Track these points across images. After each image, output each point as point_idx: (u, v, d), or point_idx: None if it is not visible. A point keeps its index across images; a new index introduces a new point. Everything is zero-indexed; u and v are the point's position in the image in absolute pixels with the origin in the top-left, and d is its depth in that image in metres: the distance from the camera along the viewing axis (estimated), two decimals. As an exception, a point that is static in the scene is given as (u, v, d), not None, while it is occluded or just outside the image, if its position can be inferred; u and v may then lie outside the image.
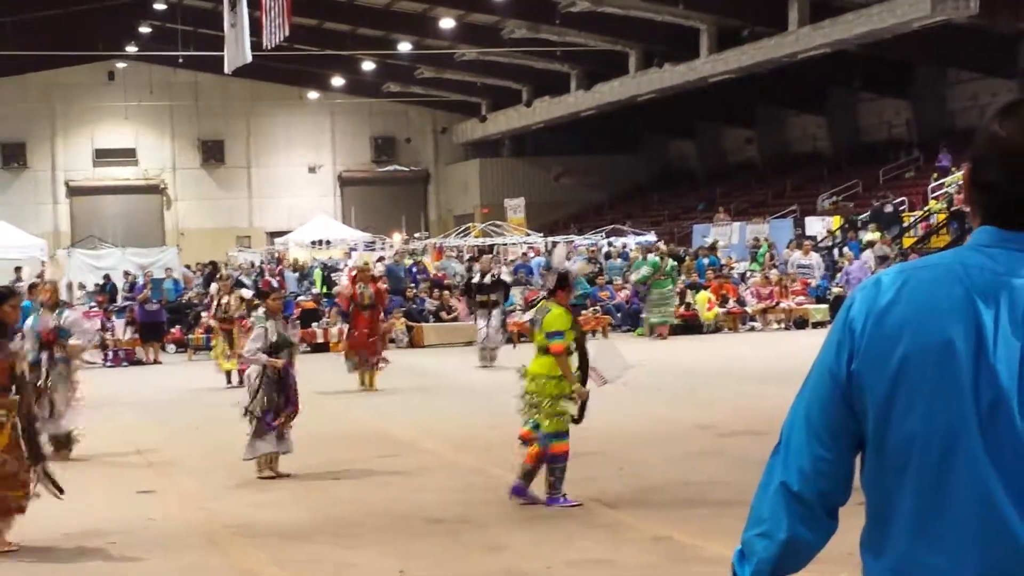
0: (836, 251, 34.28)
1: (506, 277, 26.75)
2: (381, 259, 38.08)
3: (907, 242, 35.39)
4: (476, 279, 24.83)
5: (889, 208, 37.19)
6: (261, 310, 12.71)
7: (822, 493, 2.51)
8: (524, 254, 39.43)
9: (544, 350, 10.33)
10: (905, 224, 37.17)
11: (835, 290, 30.78)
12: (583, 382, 10.34)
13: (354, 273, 21.73)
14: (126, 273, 34.17)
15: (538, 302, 10.95)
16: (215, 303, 21.93)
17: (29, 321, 13.27)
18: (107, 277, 34.51)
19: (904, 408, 2.36)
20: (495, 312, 23.60)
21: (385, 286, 23.00)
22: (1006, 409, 2.27)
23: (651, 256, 30.80)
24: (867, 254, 30.93)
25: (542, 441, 10.27)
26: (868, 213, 37.56)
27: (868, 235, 34.60)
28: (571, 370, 10.27)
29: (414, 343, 29.19)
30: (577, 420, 10.35)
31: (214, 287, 23.33)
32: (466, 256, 39.59)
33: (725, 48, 40.86)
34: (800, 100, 49.62)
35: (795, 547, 2.53)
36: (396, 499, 10.95)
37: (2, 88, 54.04)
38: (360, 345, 20.30)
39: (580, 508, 10.23)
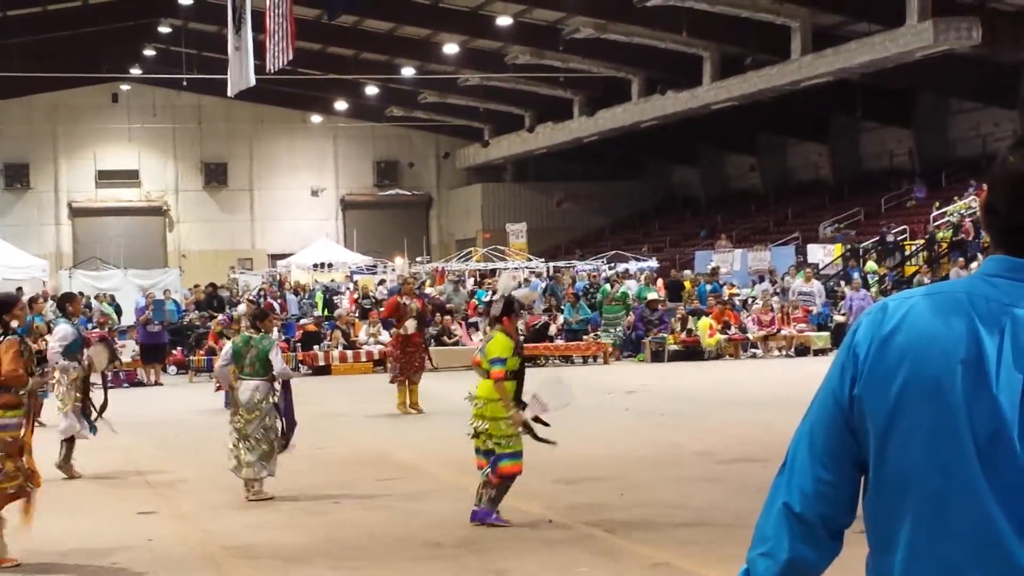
0: (841, 280, 34.25)
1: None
2: (383, 282, 38.15)
3: (908, 271, 35.43)
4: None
5: (890, 237, 37.30)
6: (244, 335, 12.67)
7: (824, 515, 2.52)
8: (526, 279, 39.42)
9: (486, 373, 10.51)
10: (907, 252, 37.22)
11: (837, 318, 30.79)
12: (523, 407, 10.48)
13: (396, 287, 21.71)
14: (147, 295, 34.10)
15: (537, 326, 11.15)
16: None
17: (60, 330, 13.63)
18: (112, 298, 34.53)
19: (905, 434, 2.37)
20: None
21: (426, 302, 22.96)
22: (1007, 439, 2.28)
23: (604, 284, 32.33)
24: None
25: (492, 462, 10.41)
26: (874, 240, 37.63)
27: (869, 264, 34.65)
28: (509, 396, 10.44)
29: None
30: (541, 439, 10.52)
31: (241, 308, 23.31)
32: (468, 280, 39.60)
33: (728, 75, 40.98)
34: (802, 128, 49.74)
35: (797, 567, 2.54)
36: (397, 522, 10.94)
37: (7, 109, 54.20)
38: (410, 367, 20.26)
39: (581, 533, 10.23)
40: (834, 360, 2.54)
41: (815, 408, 2.56)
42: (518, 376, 10.57)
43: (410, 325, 20.40)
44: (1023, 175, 2.36)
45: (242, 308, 23.36)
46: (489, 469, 10.49)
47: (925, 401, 2.34)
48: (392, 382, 20.66)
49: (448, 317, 30.71)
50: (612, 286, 34.02)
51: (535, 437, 10.50)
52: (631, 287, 35.46)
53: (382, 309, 24.47)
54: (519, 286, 24.30)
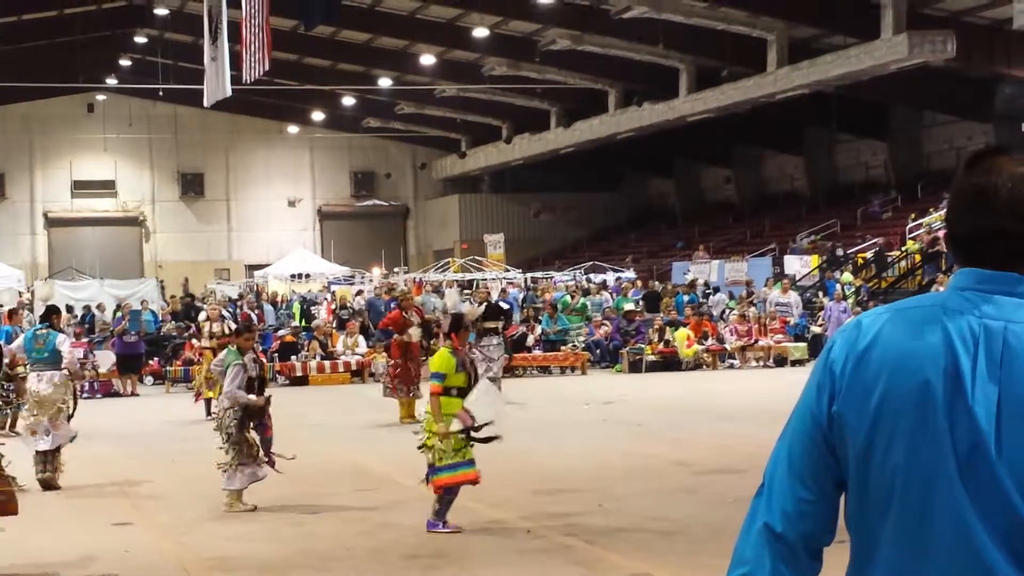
0: (819, 291, 34.34)
1: (503, 304, 26.84)
2: (360, 293, 38.11)
3: (884, 283, 35.59)
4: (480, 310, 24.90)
5: (840, 251, 37.61)
6: (234, 348, 12.65)
7: (805, 534, 2.52)
8: (503, 290, 39.45)
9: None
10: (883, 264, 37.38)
11: (814, 329, 30.89)
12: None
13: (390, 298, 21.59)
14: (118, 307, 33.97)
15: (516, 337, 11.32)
16: (206, 331, 21.87)
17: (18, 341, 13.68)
18: (87, 308, 34.40)
19: (884, 450, 2.38)
20: (494, 342, 23.36)
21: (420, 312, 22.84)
22: (984, 451, 2.29)
23: (564, 295, 32.88)
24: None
25: (427, 474, 10.73)
26: (846, 252, 37.83)
27: (845, 276, 34.78)
28: (440, 411, 10.67)
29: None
30: (483, 440, 10.76)
31: (203, 314, 23.25)
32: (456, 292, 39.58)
33: (704, 88, 41.11)
34: (778, 140, 49.95)
35: (778, 588, 2.54)
36: (372, 533, 10.92)
37: (-18, 119, 54.00)
38: (409, 378, 20.16)
39: (558, 543, 10.23)
40: (810, 378, 2.54)
41: (792, 427, 2.55)
42: (464, 393, 10.71)
43: (414, 333, 20.31)
44: (980, 189, 2.39)
45: (203, 315, 23.27)
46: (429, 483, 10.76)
47: (904, 414, 2.35)
48: (387, 396, 20.47)
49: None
50: (572, 297, 34.31)
51: (476, 440, 10.67)
52: (607, 299, 35.55)
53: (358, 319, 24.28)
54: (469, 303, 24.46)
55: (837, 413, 2.44)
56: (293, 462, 14.87)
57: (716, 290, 35.60)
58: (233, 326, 21.02)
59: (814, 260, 38.39)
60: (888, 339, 2.41)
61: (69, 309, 31.70)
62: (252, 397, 12.19)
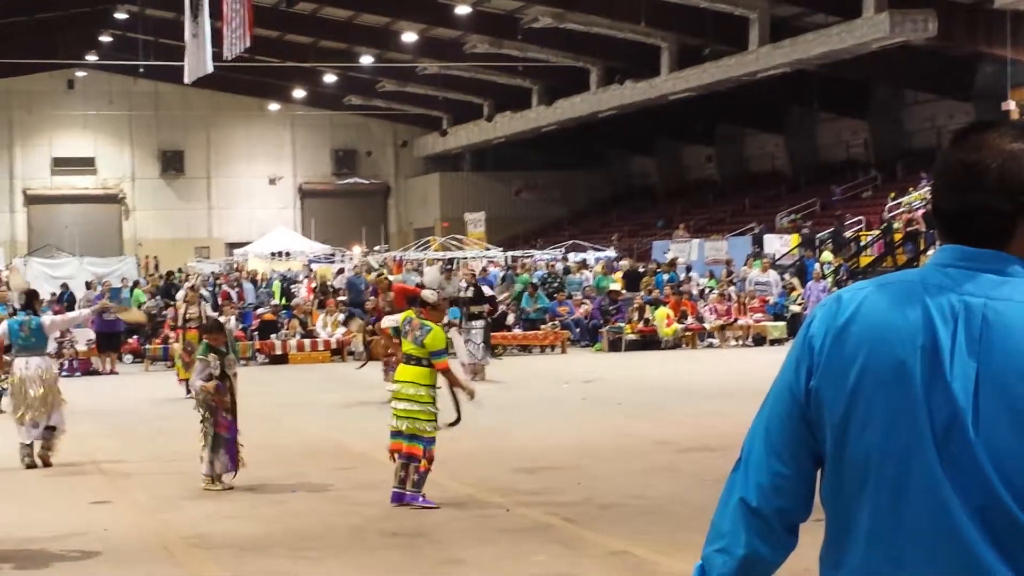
0: (788, 273, 34.36)
1: (486, 289, 26.81)
2: (341, 271, 38.05)
3: (863, 261, 35.66)
4: (464, 293, 25.04)
5: (848, 232, 37.57)
6: (204, 343, 12.62)
7: (780, 509, 2.51)
8: (484, 268, 39.47)
9: (418, 360, 10.97)
10: (862, 243, 37.46)
11: (793, 308, 30.94)
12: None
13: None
14: (88, 284, 33.90)
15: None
16: (181, 312, 21.78)
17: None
18: (65, 286, 34.25)
19: (861, 425, 2.38)
20: (478, 325, 23.46)
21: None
22: (961, 426, 2.29)
23: (524, 275, 33.13)
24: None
25: (427, 445, 10.82)
26: (829, 231, 37.91)
27: (825, 255, 34.84)
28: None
29: (372, 356, 29.06)
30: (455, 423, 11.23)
31: (181, 294, 23.15)
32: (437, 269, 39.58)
33: (686, 66, 41.09)
34: (759, 119, 49.97)
35: (753, 563, 2.54)
36: (353, 512, 10.92)
37: (-41, 95, 53.69)
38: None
39: (538, 522, 10.25)
40: (788, 353, 2.54)
41: (770, 402, 2.55)
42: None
43: (428, 296, 20.09)
44: (965, 164, 2.38)
45: (181, 294, 23.15)
46: (423, 456, 10.83)
47: (882, 389, 2.35)
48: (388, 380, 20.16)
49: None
50: (530, 275, 34.63)
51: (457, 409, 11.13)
52: (588, 278, 35.57)
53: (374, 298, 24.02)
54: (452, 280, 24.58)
55: (815, 388, 2.44)
56: (273, 440, 14.87)
57: (688, 268, 35.60)
58: (210, 311, 20.98)
59: (794, 239, 38.44)
60: (867, 314, 2.40)
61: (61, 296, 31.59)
62: (207, 384, 12.12)
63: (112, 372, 27.33)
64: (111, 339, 27.90)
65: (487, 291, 26.55)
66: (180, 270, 39.96)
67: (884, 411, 2.35)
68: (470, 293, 24.76)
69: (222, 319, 18.08)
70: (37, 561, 9.39)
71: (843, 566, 2.42)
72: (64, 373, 26.18)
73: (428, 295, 11.97)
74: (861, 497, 2.38)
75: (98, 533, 10.22)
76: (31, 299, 14.73)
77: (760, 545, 2.51)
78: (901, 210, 36.80)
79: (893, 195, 38.74)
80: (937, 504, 2.30)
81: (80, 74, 55.39)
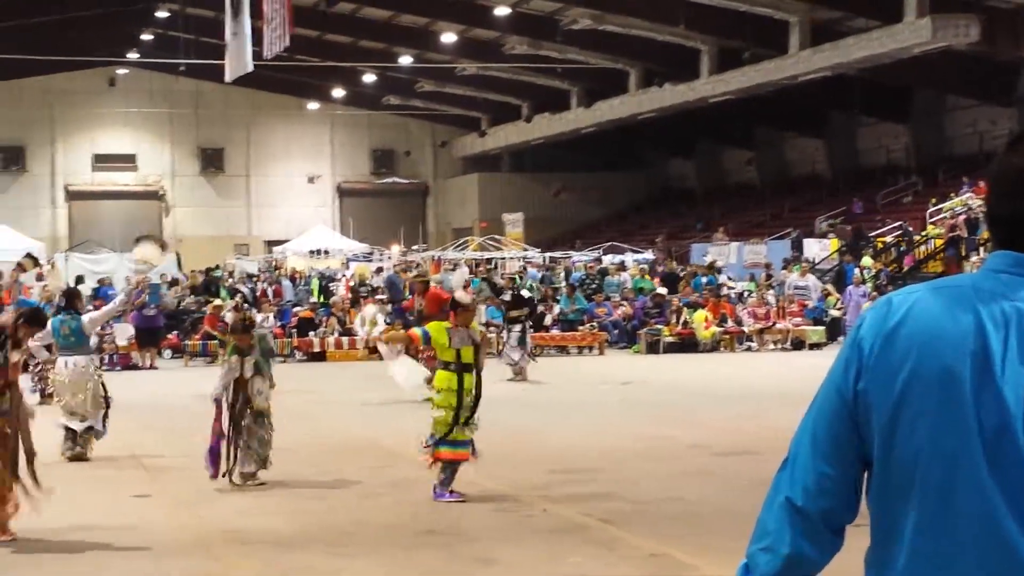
0: (828, 277, 34.18)
1: (525, 293, 27.00)
2: (380, 270, 38.16)
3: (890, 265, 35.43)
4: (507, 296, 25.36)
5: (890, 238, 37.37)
6: (231, 344, 12.64)
7: (826, 510, 2.52)
8: (523, 268, 39.51)
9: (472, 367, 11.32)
10: (903, 249, 37.24)
11: (833, 312, 30.80)
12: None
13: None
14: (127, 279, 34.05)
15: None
16: (224, 314, 22.00)
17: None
18: (101, 282, 34.45)
19: (909, 429, 2.37)
20: (515, 328, 23.63)
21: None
22: (1012, 433, 2.28)
23: (478, 277, 33.21)
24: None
25: (436, 445, 11.14)
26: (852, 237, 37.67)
27: (865, 260, 34.67)
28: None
29: (408, 354, 29.11)
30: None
31: (229, 306, 23.33)
32: (466, 271, 39.67)
33: (726, 69, 40.96)
34: (800, 123, 49.76)
35: (798, 562, 2.54)
36: (388, 510, 10.95)
37: (2, 91, 54.07)
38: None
39: (575, 523, 10.25)
40: (838, 355, 2.54)
41: (818, 403, 2.55)
42: (460, 369, 11.18)
43: (461, 296, 20.15)
44: (1020, 170, 2.37)
45: (229, 307, 23.39)
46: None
47: (932, 393, 2.34)
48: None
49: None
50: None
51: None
52: (626, 279, 35.51)
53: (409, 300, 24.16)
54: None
55: (863, 390, 2.43)
56: (310, 437, 14.91)
57: (718, 271, 35.40)
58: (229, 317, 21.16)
59: (833, 244, 38.25)
60: (918, 318, 2.39)
61: (95, 291, 31.75)
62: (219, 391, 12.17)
63: (152, 367, 27.51)
64: (151, 335, 28.09)
65: (525, 294, 26.68)
66: (218, 267, 40.16)
67: (933, 415, 2.34)
68: (507, 297, 24.95)
69: (259, 317, 18.23)
70: (76, 552, 9.47)
71: (888, 569, 2.42)
72: (105, 367, 26.41)
73: (461, 296, 12.03)
74: (907, 501, 2.38)
75: (137, 526, 10.30)
76: (72, 298, 14.87)
77: (805, 545, 2.52)
78: (942, 216, 36.57)
79: (935, 200, 38.50)
80: (984, 509, 2.29)
81: (121, 72, 55.72)
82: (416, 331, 11.99)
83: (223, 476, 11.96)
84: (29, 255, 18.36)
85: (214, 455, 12.02)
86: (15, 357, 10.04)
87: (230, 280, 35.53)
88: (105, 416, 14.10)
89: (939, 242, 35.13)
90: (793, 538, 2.52)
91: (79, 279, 15.17)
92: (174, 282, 33.92)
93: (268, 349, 13.11)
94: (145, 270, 16.11)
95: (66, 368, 14.13)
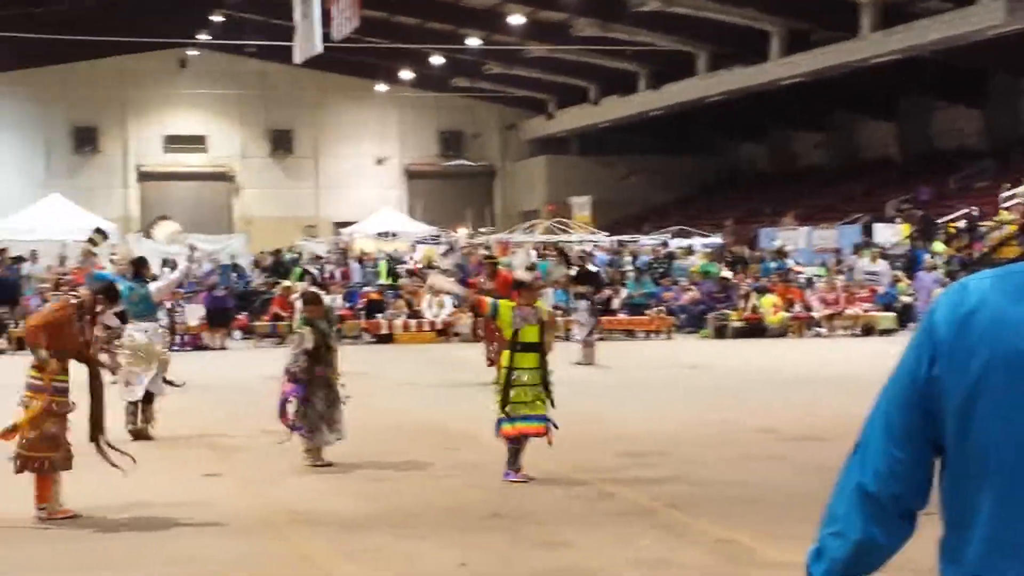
0: (900, 262, 33.82)
1: (591, 267, 27.07)
2: (447, 252, 38.22)
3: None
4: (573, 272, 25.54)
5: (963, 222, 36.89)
6: (302, 315, 12.73)
7: (896, 495, 2.50)
8: (589, 252, 39.41)
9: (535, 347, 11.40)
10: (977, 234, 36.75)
11: (904, 298, 30.50)
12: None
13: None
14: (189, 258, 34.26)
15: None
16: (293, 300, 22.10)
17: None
18: (174, 262, 34.72)
19: (983, 415, 2.35)
20: (583, 306, 23.68)
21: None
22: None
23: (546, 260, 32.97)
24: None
25: (538, 421, 11.31)
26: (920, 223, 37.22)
27: (936, 245, 34.29)
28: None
29: (479, 336, 29.19)
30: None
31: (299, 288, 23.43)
32: (533, 253, 39.66)
33: (795, 51, 40.60)
34: (871, 106, 49.20)
35: (868, 548, 2.53)
36: (456, 492, 10.99)
37: (75, 73, 54.76)
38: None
39: (642, 507, 10.25)
40: (911, 340, 2.52)
41: (891, 388, 2.54)
42: (529, 348, 11.32)
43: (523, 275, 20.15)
44: None
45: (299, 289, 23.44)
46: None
47: (1007, 378, 2.32)
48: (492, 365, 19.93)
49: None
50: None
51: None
52: (694, 263, 35.33)
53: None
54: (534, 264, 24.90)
55: (937, 376, 2.42)
56: (377, 419, 14.99)
57: (786, 256, 35.10)
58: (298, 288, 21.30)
59: (904, 229, 37.83)
60: (993, 303, 2.37)
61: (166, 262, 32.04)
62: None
63: (222, 348, 27.78)
64: (221, 315, 28.36)
65: (593, 269, 26.66)
66: (291, 249, 40.44)
67: (1007, 401, 2.32)
68: (573, 272, 24.96)
69: (327, 298, 18.25)
70: (149, 530, 9.59)
71: (962, 557, 2.40)
72: (175, 348, 26.68)
73: (523, 275, 12.09)
74: (982, 487, 2.36)
75: (206, 505, 10.41)
76: (139, 267, 15.05)
77: (875, 530, 2.51)
78: (1015, 202, 36.03)
79: (1008, 185, 37.96)
80: (1060, 497, 2.26)
81: (192, 53, 56.19)
82: (488, 300, 12.05)
83: (292, 429, 12.09)
84: (98, 229, 18.54)
85: (283, 408, 12.15)
86: (94, 332, 10.32)
87: (300, 262, 35.72)
88: (164, 379, 14.32)
89: (1013, 227, 34.60)
90: (864, 523, 2.51)
91: (141, 260, 15.21)
92: (233, 267, 33.94)
93: (334, 320, 13.31)
94: (174, 247, 16.54)
95: (136, 331, 14.36)
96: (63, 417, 9.84)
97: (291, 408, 12.12)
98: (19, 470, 9.79)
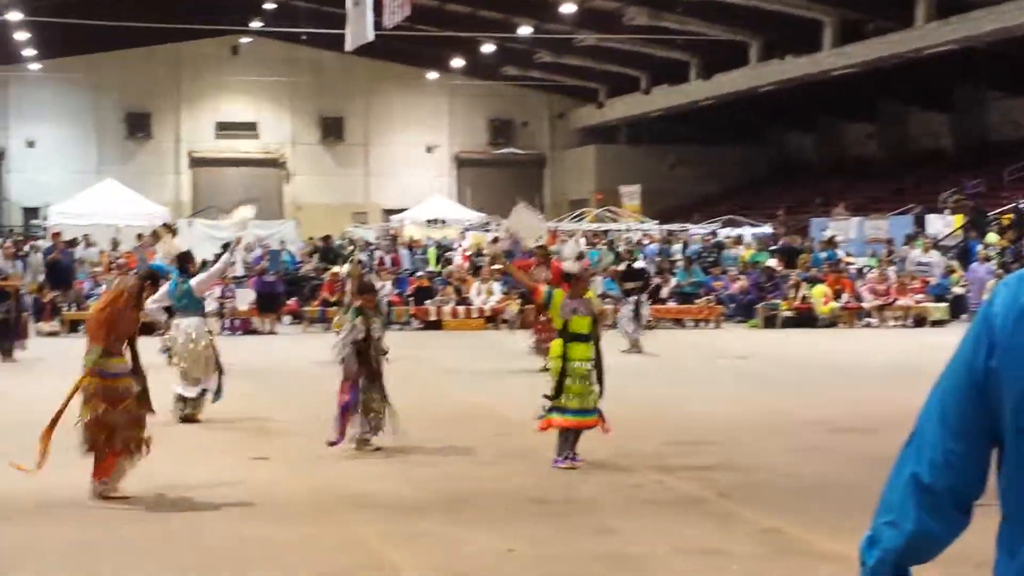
0: (951, 254, 33.53)
1: (640, 264, 27.10)
2: (496, 240, 38.22)
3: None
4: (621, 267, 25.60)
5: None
6: (354, 306, 12.74)
7: (952, 486, 2.49)
8: (639, 241, 39.36)
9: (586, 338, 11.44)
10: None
11: (956, 290, 30.24)
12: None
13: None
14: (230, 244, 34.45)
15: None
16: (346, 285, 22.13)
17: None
18: (225, 247, 34.95)
19: (1042, 407, 2.34)
20: (629, 301, 23.68)
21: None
22: None
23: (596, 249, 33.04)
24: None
25: (589, 414, 11.37)
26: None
27: (989, 236, 33.96)
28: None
29: (524, 324, 29.21)
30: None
31: (347, 268, 23.47)
32: (583, 242, 39.60)
33: (848, 41, 40.29)
34: (924, 96, 48.74)
35: (922, 538, 2.51)
36: (504, 478, 11.01)
37: (129, 59, 55.15)
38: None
39: (690, 496, 10.24)
40: (968, 331, 2.50)
41: (946, 378, 2.52)
42: (580, 338, 11.35)
43: (538, 273, 20.17)
44: None
45: (347, 268, 23.47)
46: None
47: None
48: (538, 353, 19.67)
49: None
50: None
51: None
52: (743, 253, 35.16)
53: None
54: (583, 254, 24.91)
55: (995, 367, 2.40)
56: (425, 405, 15.04)
57: (836, 246, 34.86)
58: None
59: (957, 220, 37.48)
60: (1051, 294, 2.35)
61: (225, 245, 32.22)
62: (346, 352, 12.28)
63: (271, 332, 27.95)
64: (271, 300, 28.54)
65: (638, 266, 26.63)
66: (344, 236, 40.59)
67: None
68: (622, 267, 24.95)
69: (377, 284, 18.32)
70: (197, 510, 9.68)
71: (1019, 551, 2.38)
72: (225, 332, 26.93)
73: (570, 266, 12.08)
74: (1039, 479, 2.34)
75: (255, 487, 10.48)
76: (184, 262, 15.03)
77: (930, 521, 2.49)
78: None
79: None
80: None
81: (244, 40, 56.44)
82: (543, 288, 12.11)
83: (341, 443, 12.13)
84: (166, 225, 18.74)
85: (342, 418, 12.17)
86: (139, 317, 10.51)
87: (351, 248, 35.85)
88: (220, 379, 14.36)
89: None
90: (918, 514, 2.50)
91: (187, 254, 15.17)
92: (275, 254, 34.05)
93: (384, 311, 13.35)
94: (240, 232, 16.48)
95: (180, 329, 14.46)
96: (131, 399, 10.04)
97: (349, 427, 12.14)
98: (118, 452, 9.95)
